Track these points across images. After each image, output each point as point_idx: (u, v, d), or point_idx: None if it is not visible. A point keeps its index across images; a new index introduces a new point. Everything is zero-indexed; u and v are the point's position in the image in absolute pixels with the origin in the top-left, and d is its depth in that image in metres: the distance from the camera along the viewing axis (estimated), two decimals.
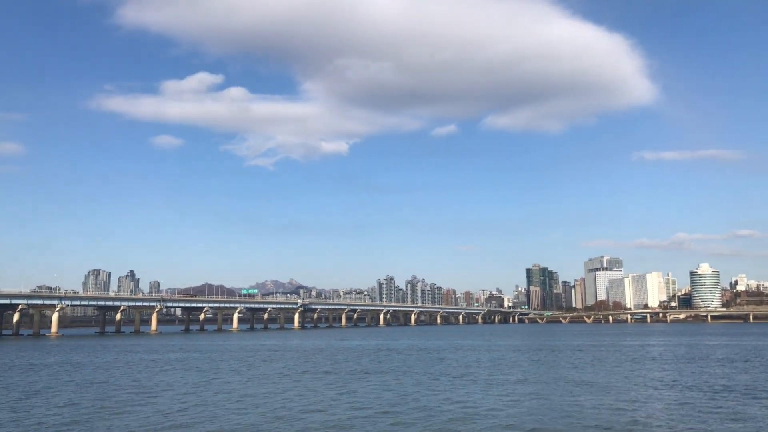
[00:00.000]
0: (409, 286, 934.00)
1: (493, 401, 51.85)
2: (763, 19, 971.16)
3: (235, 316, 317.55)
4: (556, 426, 40.67)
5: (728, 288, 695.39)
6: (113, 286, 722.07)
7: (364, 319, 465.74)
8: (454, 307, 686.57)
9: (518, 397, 54.11)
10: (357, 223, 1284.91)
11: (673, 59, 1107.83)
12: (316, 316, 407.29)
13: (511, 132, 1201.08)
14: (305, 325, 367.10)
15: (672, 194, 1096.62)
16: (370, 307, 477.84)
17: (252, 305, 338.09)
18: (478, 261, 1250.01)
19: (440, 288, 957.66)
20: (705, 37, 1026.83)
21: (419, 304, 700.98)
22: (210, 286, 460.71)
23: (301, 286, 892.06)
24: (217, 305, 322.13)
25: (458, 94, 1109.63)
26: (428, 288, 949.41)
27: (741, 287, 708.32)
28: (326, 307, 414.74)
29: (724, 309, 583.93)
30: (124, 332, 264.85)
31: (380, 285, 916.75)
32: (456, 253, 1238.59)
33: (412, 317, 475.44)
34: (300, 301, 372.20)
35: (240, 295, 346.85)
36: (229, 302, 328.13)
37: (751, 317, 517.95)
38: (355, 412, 46.60)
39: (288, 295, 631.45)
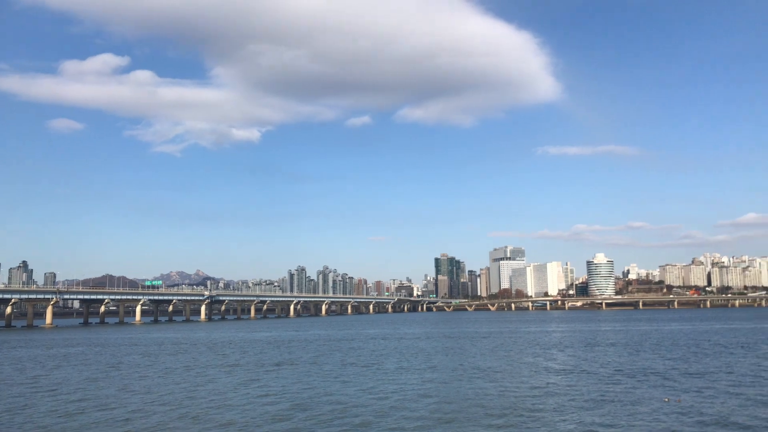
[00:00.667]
0: (320, 276, 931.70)
1: (402, 390, 52.79)
2: (659, 24, 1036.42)
3: (138, 309, 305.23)
4: (463, 414, 41.97)
5: (621, 277, 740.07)
6: (3, 278, 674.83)
7: (274, 311, 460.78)
8: (364, 296, 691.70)
9: (427, 386, 55.38)
10: (268, 212, 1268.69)
11: (576, 59, 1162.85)
12: (223, 308, 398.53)
13: (425, 124, 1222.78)
14: (212, 317, 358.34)
15: (573, 187, 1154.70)
16: (281, 298, 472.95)
17: (156, 297, 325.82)
18: (389, 251, 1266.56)
19: (352, 278, 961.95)
20: (606, 39, 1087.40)
21: (331, 295, 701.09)
22: (111, 277, 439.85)
23: (208, 278, 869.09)
24: (118, 297, 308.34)
25: (373, 85, 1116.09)
26: (340, 278, 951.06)
27: (632, 276, 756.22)
28: (234, 298, 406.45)
29: (617, 296, 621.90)
30: (15, 327, 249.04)
31: (291, 276, 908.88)
32: (368, 243, 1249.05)
33: (323, 307, 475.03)
34: (207, 293, 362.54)
35: (143, 287, 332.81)
36: (132, 294, 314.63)
37: (640, 304, 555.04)
38: (266, 407, 46.12)
39: (194, 286, 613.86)
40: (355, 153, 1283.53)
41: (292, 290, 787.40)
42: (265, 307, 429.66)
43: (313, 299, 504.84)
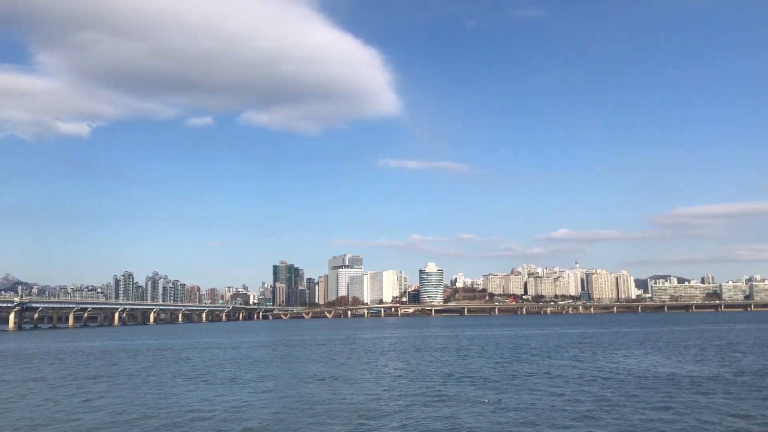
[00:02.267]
0: (149, 282, 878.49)
1: (236, 401, 51.11)
2: (490, 54, 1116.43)
3: None
4: (299, 423, 41.51)
5: (450, 285, 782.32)
6: None
7: (96, 319, 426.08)
8: (197, 304, 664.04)
9: (261, 396, 54.13)
10: (94, 213, 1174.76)
11: (418, 78, 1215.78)
12: (37, 315, 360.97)
13: (269, 130, 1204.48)
14: (23, 326, 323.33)
15: (411, 199, 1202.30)
16: (104, 305, 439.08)
17: None
18: (227, 257, 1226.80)
19: (184, 285, 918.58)
20: (445, 63, 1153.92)
21: (160, 302, 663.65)
22: None
23: (19, 283, 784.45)
24: None
25: (217, 86, 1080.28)
26: (171, 285, 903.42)
27: (460, 284, 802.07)
28: (50, 305, 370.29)
29: (445, 304, 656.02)
30: None
31: (117, 281, 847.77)
32: (205, 249, 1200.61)
33: (152, 316, 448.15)
34: (17, 299, 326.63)
35: None
36: None
37: (466, 310, 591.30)
38: (81, 428, 42.23)
39: (3, 292, 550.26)
40: (194, 155, 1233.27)
41: (117, 297, 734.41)
42: (86, 315, 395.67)
43: (140, 307, 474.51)
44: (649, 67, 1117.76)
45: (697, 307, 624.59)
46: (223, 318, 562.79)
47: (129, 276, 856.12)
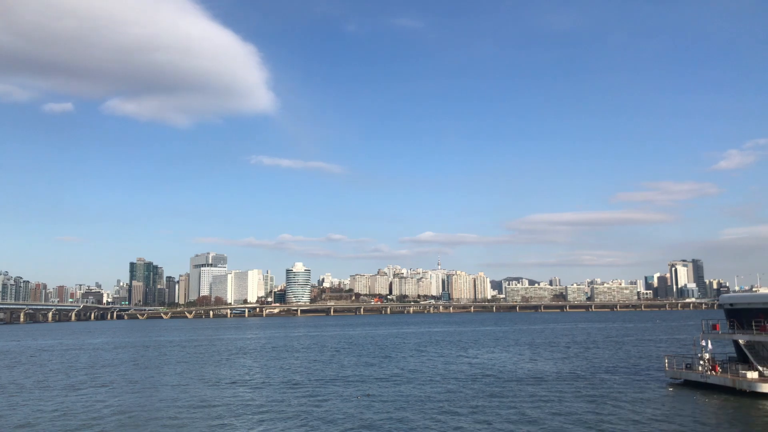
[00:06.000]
0: None
1: (89, 408, 47.84)
2: (370, 59, 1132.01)
3: None
4: (148, 428, 39.70)
5: (317, 285, 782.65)
6: None
7: None
8: (42, 303, 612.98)
9: (112, 402, 51.11)
10: None
11: (295, 79, 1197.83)
12: None
13: (137, 120, 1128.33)
14: None
15: (283, 198, 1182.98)
16: None
17: None
18: (80, 253, 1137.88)
19: (28, 282, 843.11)
20: (322, 66, 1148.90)
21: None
22: None
23: None
24: None
25: (79, 70, 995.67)
26: (12, 282, 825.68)
27: (327, 284, 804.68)
28: None
29: (312, 304, 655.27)
30: None
31: None
32: (56, 243, 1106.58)
33: None
34: None
35: None
36: None
37: (332, 310, 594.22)
38: None
39: None
40: (50, 142, 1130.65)
41: None
42: None
43: None
44: (513, 82, 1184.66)
45: (546, 307, 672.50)
46: (73, 318, 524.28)
47: None
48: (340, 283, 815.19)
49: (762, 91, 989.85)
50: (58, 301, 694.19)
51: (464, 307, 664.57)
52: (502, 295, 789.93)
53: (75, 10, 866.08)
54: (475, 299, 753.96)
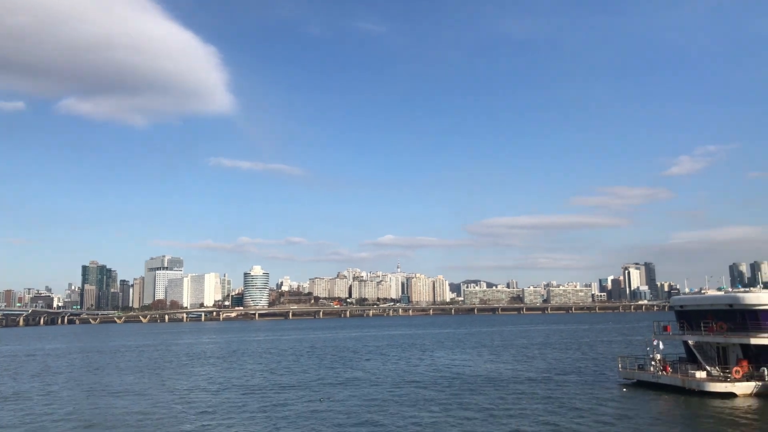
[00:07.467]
0: None
1: (41, 415, 46.38)
2: (329, 64, 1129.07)
3: None
4: None
5: (275, 288, 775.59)
6: None
7: None
8: None
9: (65, 408, 49.71)
10: None
11: (255, 81, 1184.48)
12: None
13: (92, 119, 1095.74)
14: None
15: (242, 200, 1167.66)
16: None
17: None
18: (29, 256, 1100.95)
19: None
20: (282, 68, 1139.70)
21: None
22: None
23: None
24: None
25: (31, 68, 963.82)
26: None
27: (286, 288, 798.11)
28: None
29: (270, 308, 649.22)
30: None
31: None
32: (3, 246, 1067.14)
33: None
34: None
35: None
36: None
37: (290, 314, 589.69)
38: None
39: None
40: (1, 142, 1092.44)
41: None
42: None
43: None
44: (473, 86, 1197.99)
45: (503, 309, 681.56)
46: (21, 323, 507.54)
47: None
48: (299, 286, 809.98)
49: (711, 100, 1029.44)
50: (5, 306, 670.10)
51: (423, 309, 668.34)
52: (461, 298, 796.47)
53: (27, 5, 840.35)
54: (435, 302, 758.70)
